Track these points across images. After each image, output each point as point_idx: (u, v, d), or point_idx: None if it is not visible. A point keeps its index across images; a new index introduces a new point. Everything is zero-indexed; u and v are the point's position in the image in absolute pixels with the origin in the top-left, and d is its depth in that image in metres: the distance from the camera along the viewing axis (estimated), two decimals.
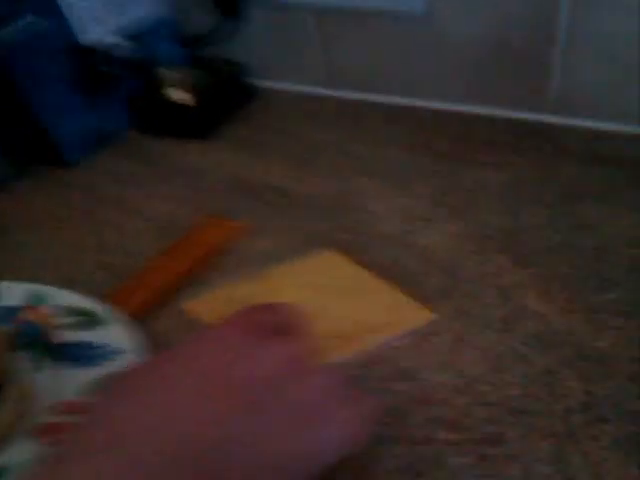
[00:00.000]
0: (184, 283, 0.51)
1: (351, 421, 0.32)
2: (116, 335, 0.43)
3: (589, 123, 0.68)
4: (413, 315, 0.46)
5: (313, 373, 0.31)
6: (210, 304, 0.47)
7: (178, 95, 0.69)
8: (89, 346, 0.42)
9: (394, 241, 0.55)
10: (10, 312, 0.45)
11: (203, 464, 0.26)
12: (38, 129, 0.62)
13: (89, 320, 0.44)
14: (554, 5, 0.61)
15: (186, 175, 0.65)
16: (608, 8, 0.60)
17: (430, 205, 0.59)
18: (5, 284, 0.47)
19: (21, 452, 0.35)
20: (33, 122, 0.62)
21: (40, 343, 0.43)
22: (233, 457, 0.27)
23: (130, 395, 0.28)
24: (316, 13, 0.72)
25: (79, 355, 0.42)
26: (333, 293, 0.47)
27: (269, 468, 0.27)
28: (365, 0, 0.69)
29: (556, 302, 0.48)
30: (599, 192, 0.58)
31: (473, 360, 0.44)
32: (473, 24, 0.67)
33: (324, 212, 0.59)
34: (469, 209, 0.58)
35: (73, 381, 0.40)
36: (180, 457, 0.25)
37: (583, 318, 0.46)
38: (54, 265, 0.54)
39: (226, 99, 0.73)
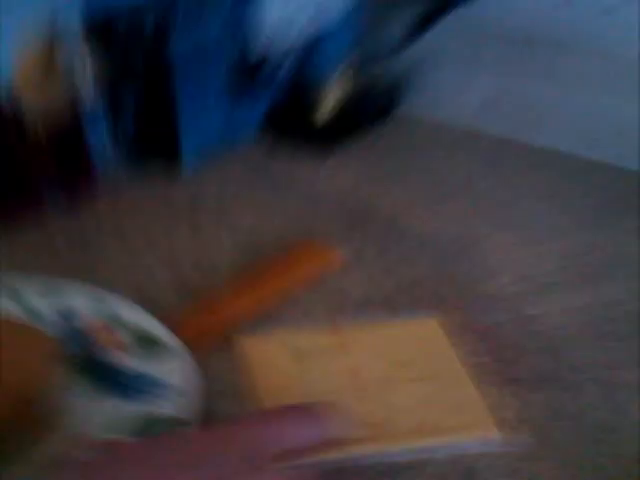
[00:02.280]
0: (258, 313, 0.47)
1: None
2: (176, 372, 0.42)
3: None
4: (481, 426, 0.39)
5: None
6: (265, 347, 0.44)
7: (320, 110, 0.67)
8: (151, 380, 0.42)
9: (500, 305, 0.48)
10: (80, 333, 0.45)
11: None
12: (169, 132, 0.62)
13: (155, 350, 0.44)
14: None
15: (298, 193, 0.62)
16: None
17: (557, 268, 0.51)
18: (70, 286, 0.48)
19: None
20: (171, 122, 0.61)
21: (105, 372, 0.43)
22: None
23: None
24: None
25: (140, 387, 0.41)
26: (408, 374, 0.41)
27: None
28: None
29: None
30: None
31: None
32: None
33: (432, 257, 0.54)
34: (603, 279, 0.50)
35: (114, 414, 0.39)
36: None
37: None
38: (132, 272, 0.52)
39: (366, 118, 0.70)
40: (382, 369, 0.42)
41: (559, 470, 0.36)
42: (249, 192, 0.63)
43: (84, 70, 0.55)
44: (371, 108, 0.70)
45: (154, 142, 0.64)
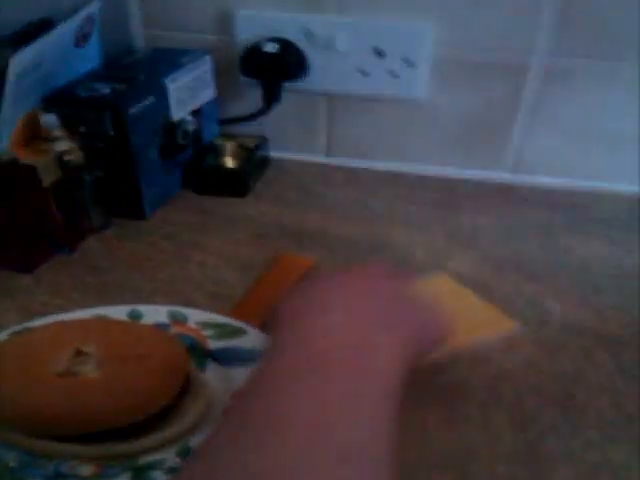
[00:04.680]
0: None
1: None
2: (257, 340, 0.52)
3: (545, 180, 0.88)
4: (504, 324, 0.57)
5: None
6: None
7: (225, 162, 0.84)
8: (239, 350, 0.51)
9: (429, 266, 0.69)
10: (162, 328, 0.53)
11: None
12: (133, 186, 0.74)
13: (229, 331, 0.53)
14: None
15: (239, 223, 0.77)
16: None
17: (447, 241, 0.75)
18: (146, 307, 0.55)
19: None
20: (132, 180, 0.73)
21: (199, 350, 0.52)
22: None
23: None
24: (328, 98, 0.90)
25: (234, 357, 0.51)
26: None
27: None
28: (373, 88, 0.86)
29: (569, 303, 0.63)
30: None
31: None
32: (458, 107, 0.86)
33: (368, 251, 0.72)
34: (476, 243, 0.74)
35: (238, 378, 0.48)
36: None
37: (591, 312, 0.62)
38: (161, 296, 0.64)
39: (254, 165, 0.87)
40: None
41: None
42: (203, 228, 0.76)
43: (60, 135, 0.62)
44: (254, 157, 0.88)
45: (121, 194, 0.74)
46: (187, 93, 0.79)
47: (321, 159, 0.94)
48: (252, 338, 0.53)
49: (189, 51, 0.83)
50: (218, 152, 0.84)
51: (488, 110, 0.85)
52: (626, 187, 0.86)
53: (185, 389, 0.47)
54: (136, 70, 0.76)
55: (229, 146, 0.85)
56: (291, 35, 0.83)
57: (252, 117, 0.89)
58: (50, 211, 0.64)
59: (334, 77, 0.86)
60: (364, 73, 0.85)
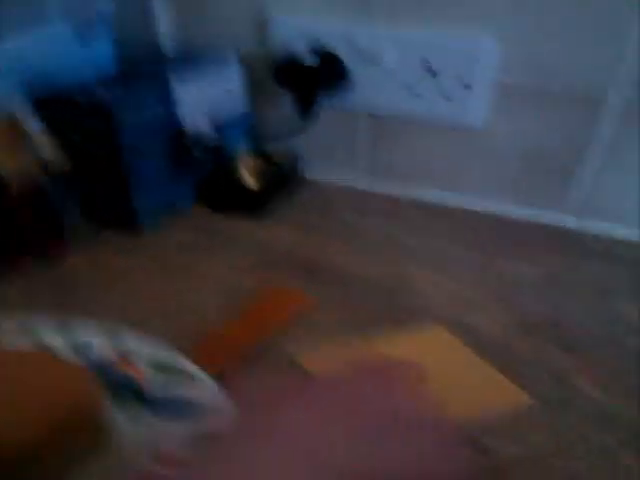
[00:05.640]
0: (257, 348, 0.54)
1: (456, 466, 0.35)
2: (204, 393, 0.45)
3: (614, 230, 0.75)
4: (512, 398, 0.49)
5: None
6: (327, 360, 0.50)
7: (245, 179, 0.77)
8: (182, 402, 0.45)
9: (446, 321, 0.59)
10: (104, 363, 0.47)
11: None
12: (124, 196, 0.68)
13: (178, 377, 0.47)
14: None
15: (244, 247, 0.70)
16: None
17: (477, 291, 0.64)
18: (95, 329, 0.50)
19: None
20: (123, 189, 0.68)
21: (136, 396, 0.46)
22: None
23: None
24: (371, 117, 0.81)
25: (173, 409, 0.44)
26: (437, 366, 0.49)
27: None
28: (422, 110, 0.77)
29: (605, 385, 0.52)
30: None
31: None
32: (519, 138, 0.75)
33: (380, 292, 0.63)
34: (514, 296, 0.63)
35: (169, 433, 0.42)
36: None
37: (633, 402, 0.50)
38: (130, 320, 0.56)
39: (281, 186, 0.80)
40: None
41: None
42: (201, 249, 0.70)
43: (42, 140, 0.59)
44: (283, 176, 0.81)
45: (112, 206, 0.69)
46: (208, 104, 0.74)
47: (362, 185, 0.86)
48: (201, 389, 0.46)
49: (217, 59, 0.77)
50: (239, 168, 0.78)
51: (554, 145, 0.74)
52: None
53: (84, 433, 0.40)
54: (151, 76, 0.71)
55: (253, 162, 0.78)
56: (333, 44, 0.75)
57: (288, 134, 0.82)
58: (20, 220, 0.60)
59: (379, 95, 0.78)
60: (413, 92, 0.76)
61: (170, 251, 0.69)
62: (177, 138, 0.72)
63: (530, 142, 0.75)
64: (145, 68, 0.76)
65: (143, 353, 0.49)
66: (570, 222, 0.77)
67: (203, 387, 0.46)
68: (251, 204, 0.76)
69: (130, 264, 0.66)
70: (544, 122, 0.73)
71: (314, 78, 0.76)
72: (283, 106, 0.83)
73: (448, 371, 0.50)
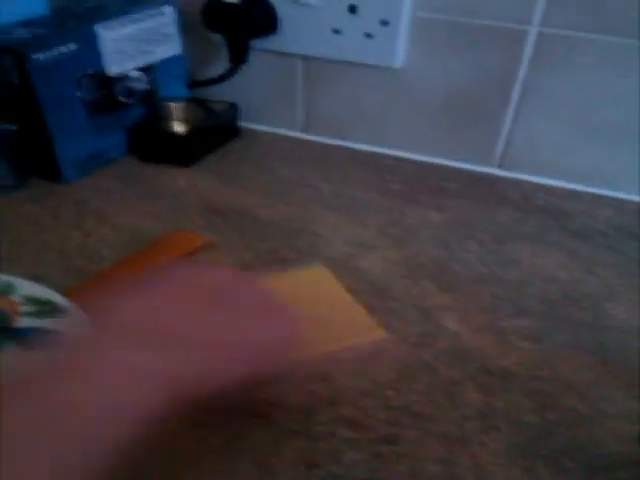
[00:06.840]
0: None
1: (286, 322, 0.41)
2: (71, 325, 0.48)
3: (530, 177, 0.75)
4: (369, 333, 0.51)
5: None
6: None
7: (173, 127, 0.77)
8: (46, 333, 0.48)
9: (336, 263, 0.60)
10: None
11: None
12: (47, 145, 0.69)
13: (48, 309, 0.50)
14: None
15: (161, 195, 0.72)
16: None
17: (375, 235, 0.65)
18: None
19: None
20: (44, 138, 0.69)
21: (4, 327, 0.49)
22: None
23: None
24: (305, 60, 0.81)
25: (37, 340, 0.48)
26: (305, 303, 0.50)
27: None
28: (348, 54, 0.77)
29: (471, 324, 0.53)
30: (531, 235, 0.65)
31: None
32: (442, 80, 0.75)
33: (281, 235, 0.65)
34: (409, 241, 0.64)
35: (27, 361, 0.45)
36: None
37: (494, 339, 0.51)
38: (24, 263, 0.60)
39: (213, 134, 0.81)
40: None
41: None
42: (122, 198, 0.71)
43: None
44: (216, 125, 0.82)
45: (32, 156, 0.71)
46: (133, 46, 0.73)
47: (297, 133, 0.87)
48: (69, 320, 0.49)
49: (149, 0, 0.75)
50: (169, 116, 0.77)
51: (476, 88, 0.73)
52: (625, 195, 0.72)
53: None
54: (76, 17, 0.70)
55: (185, 110, 0.78)
56: None
57: (217, 79, 0.81)
58: None
59: (308, 36, 0.77)
60: (337, 31, 0.75)
61: (86, 199, 0.70)
62: (99, 82, 0.72)
63: (452, 84, 0.74)
64: (76, 10, 0.75)
65: (21, 288, 0.52)
66: (492, 169, 0.77)
67: (73, 319, 0.49)
68: (179, 153, 0.77)
69: (42, 211, 0.68)
70: (465, 62, 0.72)
71: (241, 19, 0.75)
72: (217, 50, 0.83)
73: (315, 309, 0.51)
